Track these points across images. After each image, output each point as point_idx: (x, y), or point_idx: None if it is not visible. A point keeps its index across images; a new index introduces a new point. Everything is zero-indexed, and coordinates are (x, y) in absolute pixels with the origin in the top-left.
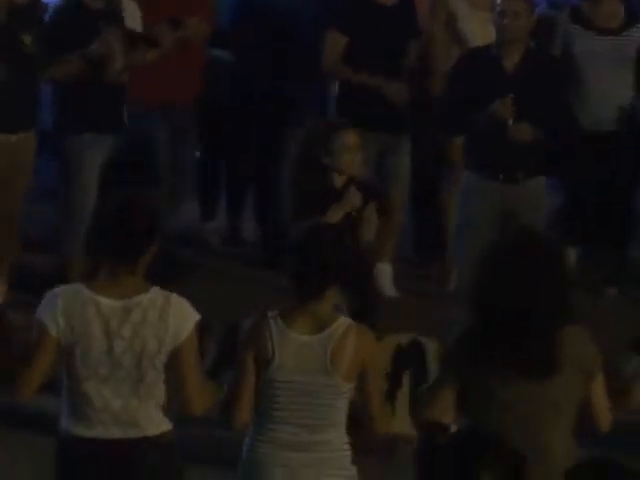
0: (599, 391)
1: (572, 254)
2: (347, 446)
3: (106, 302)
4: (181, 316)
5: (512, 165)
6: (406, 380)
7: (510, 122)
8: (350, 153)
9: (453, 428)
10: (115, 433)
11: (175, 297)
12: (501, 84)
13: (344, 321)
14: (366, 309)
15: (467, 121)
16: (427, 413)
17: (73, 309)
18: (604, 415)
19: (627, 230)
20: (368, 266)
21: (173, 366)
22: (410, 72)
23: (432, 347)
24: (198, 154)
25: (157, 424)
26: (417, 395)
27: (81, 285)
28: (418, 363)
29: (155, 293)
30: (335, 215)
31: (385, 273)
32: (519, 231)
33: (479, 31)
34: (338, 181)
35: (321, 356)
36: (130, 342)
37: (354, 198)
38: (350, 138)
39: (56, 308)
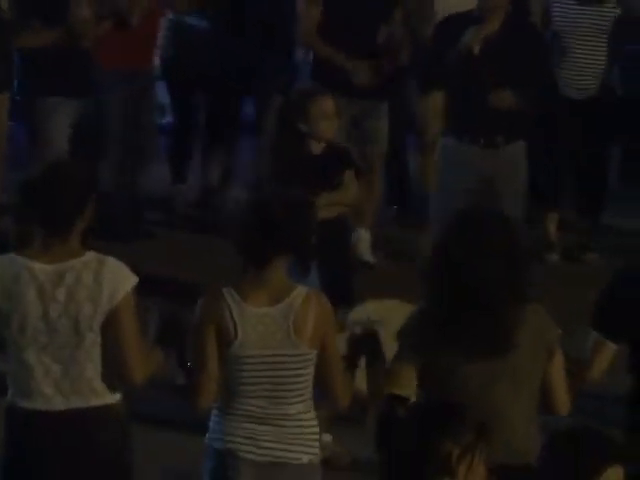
0: (558, 369)
1: (553, 220)
2: (314, 421)
3: (39, 267)
4: (116, 278)
5: (492, 129)
6: (362, 364)
7: (476, 51)
8: (328, 120)
9: (412, 400)
10: (57, 404)
11: (111, 259)
12: (482, 50)
13: (301, 290)
14: (343, 279)
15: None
16: (386, 389)
17: (7, 277)
18: (561, 396)
19: (602, 196)
20: (345, 234)
21: (110, 329)
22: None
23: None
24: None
25: (101, 394)
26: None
27: (13, 254)
28: (373, 349)
29: (90, 256)
30: (327, 200)
31: (364, 240)
32: (473, 208)
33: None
34: (316, 148)
35: (284, 327)
36: (65, 306)
37: (351, 189)
38: (328, 105)
39: None
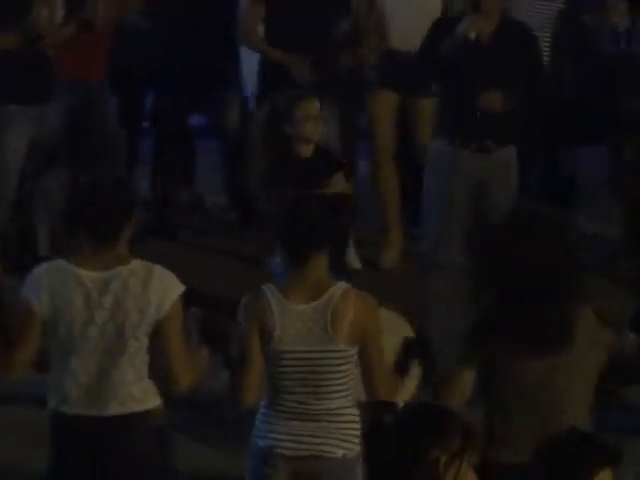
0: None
1: None
2: (356, 417)
3: (86, 274)
4: (164, 288)
5: (483, 134)
6: (415, 369)
7: (472, 36)
8: (313, 122)
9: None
10: (99, 410)
11: (158, 268)
12: (476, 53)
13: (341, 285)
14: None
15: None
16: (448, 398)
17: (56, 284)
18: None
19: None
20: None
21: (158, 338)
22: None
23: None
24: None
25: (141, 400)
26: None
27: (62, 260)
28: (426, 355)
29: (136, 264)
30: None
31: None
32: (520, 208)
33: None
34: (305, 150)
35: (321, 322)
36: (111, 313)
37: (339, 185)
38: (313, 107)
39: (40, 285)
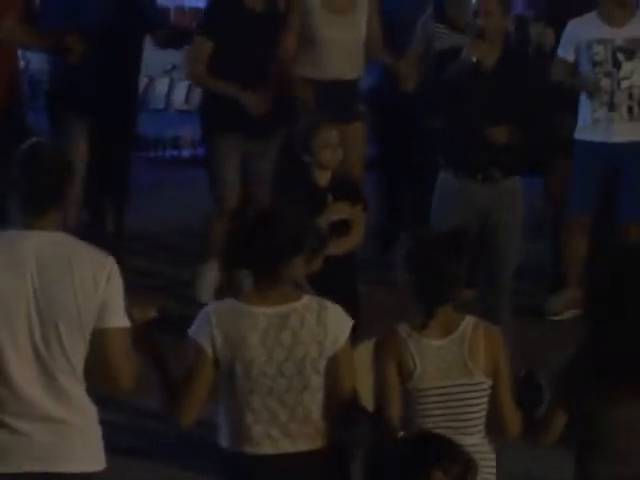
0: None
1: None
2: (492, 454)
3: (260, 311)
4: (338, 321)
5: (489, 164)
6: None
7: (474, 60)
8: (331, 149)
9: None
10: (285, 447)
11: (329, 302)
12: (480, 82)
13: (470, 319)
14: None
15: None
16: (545, 440)
17: (228, 323)
18: None
19: None
20: (352, 271)
21: (329, 373)
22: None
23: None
24: None
25: (327, 436)
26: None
27: (231, 299)
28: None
29: (308, 299)
30: (337, 250)
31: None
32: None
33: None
34: (322, 179)
35: (460, 356)
36: (290, 349)
37: (358, 229)
38: (331, 134)
39: (210, 325)
